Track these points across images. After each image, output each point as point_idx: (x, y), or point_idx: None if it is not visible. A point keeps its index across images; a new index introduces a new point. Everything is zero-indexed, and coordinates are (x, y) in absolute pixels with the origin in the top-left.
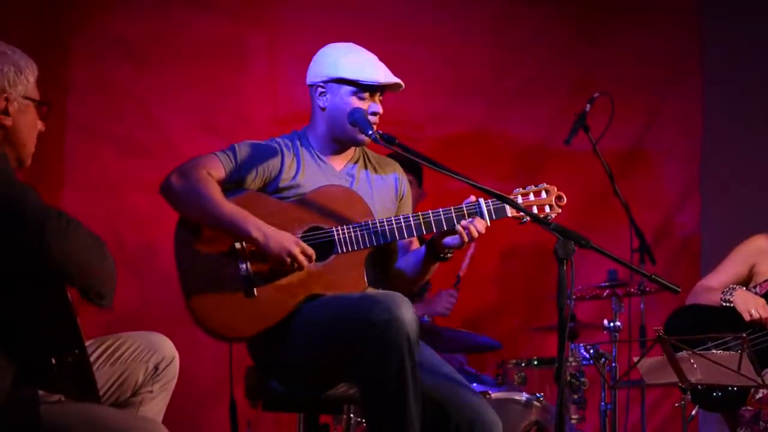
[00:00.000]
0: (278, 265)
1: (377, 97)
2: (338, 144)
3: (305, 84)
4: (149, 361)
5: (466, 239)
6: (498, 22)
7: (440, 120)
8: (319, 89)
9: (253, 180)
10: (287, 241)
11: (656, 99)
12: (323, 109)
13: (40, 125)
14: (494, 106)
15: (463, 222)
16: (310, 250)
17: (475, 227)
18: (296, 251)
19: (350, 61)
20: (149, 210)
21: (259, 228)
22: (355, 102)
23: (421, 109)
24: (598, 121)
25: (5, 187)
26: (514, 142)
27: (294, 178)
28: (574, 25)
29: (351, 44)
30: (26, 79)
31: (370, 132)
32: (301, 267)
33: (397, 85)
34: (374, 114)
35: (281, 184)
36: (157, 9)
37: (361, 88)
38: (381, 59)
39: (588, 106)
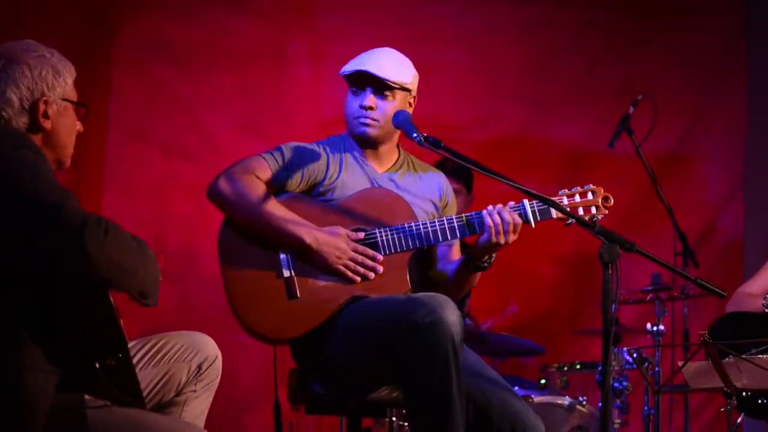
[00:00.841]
0: (337, 272)
1: (372, 93)
2: (360, 145)
3: (347, 89)
4: (192, 361)
5: (495, 240)
6: (540, 25)
7: (483, 123)
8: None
9: (299, 183)
10: (341, 242)
11: (700, 102)
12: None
13: (78, 126)
14: (537, 110)
15: (490, 218)
16: (368, 251)
17: (500, 223)
18: (355, 255)
19: (354, 59)
20: (192, 213)
21: (311, 234)
22: (350, 98)
23: (463, 113)
24: (642, 123)
25: (45, 192)
26: (556, 145)
27: (337, 180)
28: (617, 28)
29: (377, 49)
30: (64, 81)
31: (415, 135)
32: (369, 275)
33: (377, 77)
34: (362, 107)
35: (324, 187)
36: (200, 13)
37: (348, 82)
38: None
39: (631, 108)
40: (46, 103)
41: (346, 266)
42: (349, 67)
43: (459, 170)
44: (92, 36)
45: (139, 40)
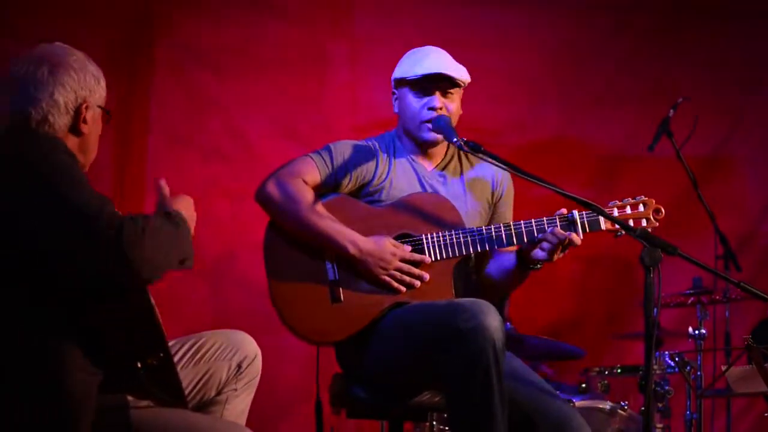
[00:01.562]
0: (381, 282)
1: (437, 94)
2: (419, 146)
3: (385, 92)
4: (232, 359)
5: (556, 252)
6: (577, 27)
7: (520, 127)
8: (393, 96)
9: (348, 183)
10: (386, 253)
11: (740, 104)
12: (397, 114)
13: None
14: (574, 112)
15: (557, 231)
16: (415, 257)
17: (562, 241)
18: (401, 265)
19: (409, 60)
20: (232, 217)
21: (354, 243)
22: (413, 100)
23: (499, 116)
24: (681, 126)
25: (84, 198)
26: (594, 148)
27: (387, 179)
28: (655, 30)
29: (427, 46)
30: (102, 88)
31: (455, 139)
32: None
33: (451, 78)
34: (431, 108)
35: (373, 187)
36: (239, 18)
37: (412, 84)
38: (461, 64)
39: (671, 111)
40: (86, 108)
41: (392, 276)
42: (420, 69)
43: None
44: (133, 41)
45: (179, 45)
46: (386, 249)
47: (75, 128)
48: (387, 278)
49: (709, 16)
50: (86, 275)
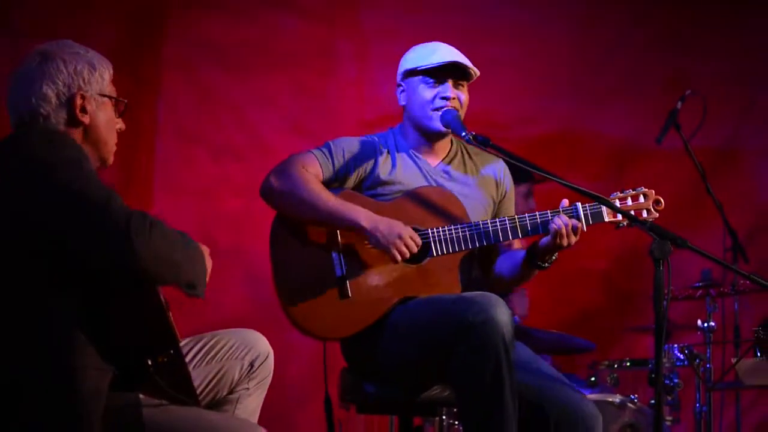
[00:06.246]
0: (385, 251)
1: (450, 83)
2: (426, 137)
3: (393, 87)
4: (245, 359)
5: (559, 242)
6: (587, 20)
7: (528, 120)
8: (399, 89)
9: (349, 177)
10: (397, 227)
11: (750, 96)
12: (404, 107)
13: (119, 123)
14: (583, 106)
15: (560, 220)
16: (418, 239)
17: (566, 226)
18: (406, 235)
19: (417, 52)
20: (241, 213)
21: (368, 216)
22: (424, 90)
23: (508, 110)
24: (690, 118)
25: (90, 191)
26: (603, 141)
27: (389, 174)
28: (665, 22)
29: (433, 42)
30: (101, 77)
31: (464, 133)
32: (407, 254)
33: (465, 68)
34: (444, 98)
35: (375, 181)
36: (247, 14)
37: (424, 73)
38: (469, 60)
39: (679, 103)
40: (83, 97)
41: (396, 246)
42: (435, 59)
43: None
44: (141, 38)
45: (188, 41)
46: (398, 224)
47: (73, 119)
48: (392, 248)
49: (720, 9)
50: (95, 266)
